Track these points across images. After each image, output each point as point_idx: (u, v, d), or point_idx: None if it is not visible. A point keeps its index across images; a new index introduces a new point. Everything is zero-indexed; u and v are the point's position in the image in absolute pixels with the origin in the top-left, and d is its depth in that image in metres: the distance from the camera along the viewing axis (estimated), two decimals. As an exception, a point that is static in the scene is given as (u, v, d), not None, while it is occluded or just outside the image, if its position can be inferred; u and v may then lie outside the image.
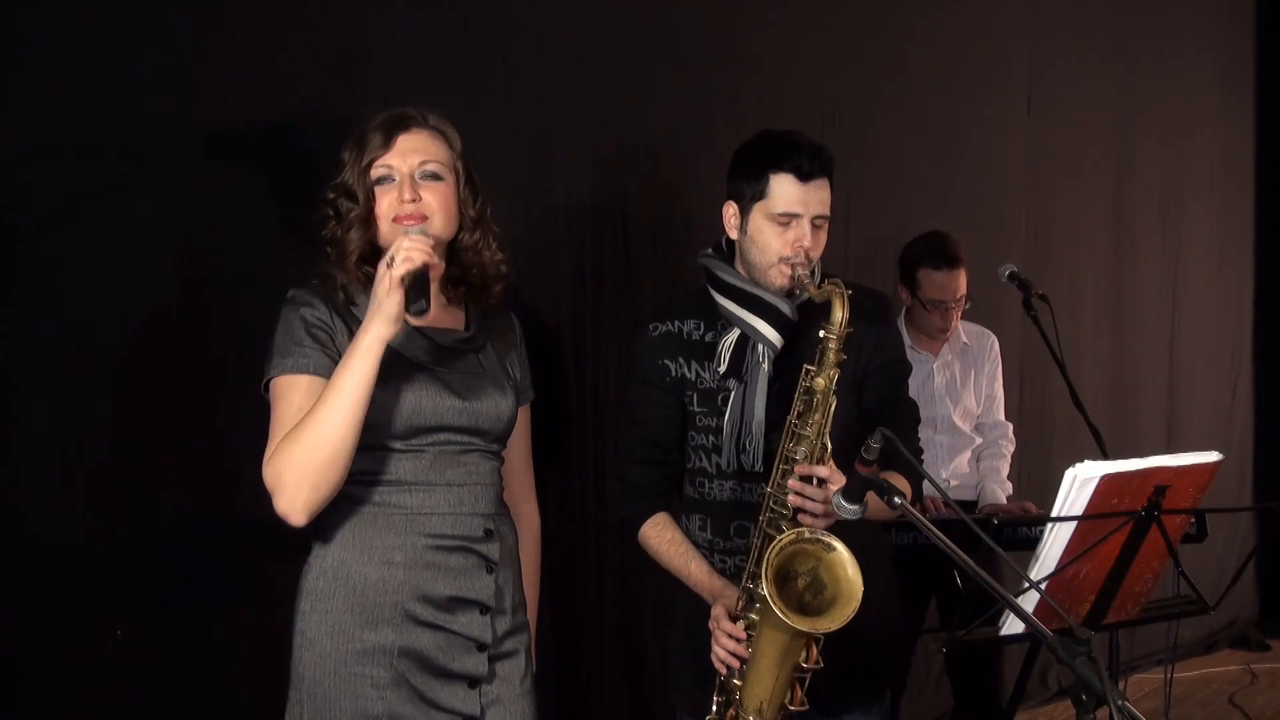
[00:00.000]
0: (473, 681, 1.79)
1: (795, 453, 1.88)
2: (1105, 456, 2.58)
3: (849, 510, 1.74)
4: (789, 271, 1.95)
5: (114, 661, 2.05)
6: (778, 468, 1.90)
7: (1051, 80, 4.13)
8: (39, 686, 1.99)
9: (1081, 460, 1.82)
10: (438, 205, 1.77)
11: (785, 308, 1.98)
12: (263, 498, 2.19)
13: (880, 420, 2.00)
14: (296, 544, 2.24)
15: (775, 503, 1.89)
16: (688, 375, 2.05)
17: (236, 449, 2.18)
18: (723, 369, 2.00)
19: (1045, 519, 1.87)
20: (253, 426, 2.16)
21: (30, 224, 1.97)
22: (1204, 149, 4.84)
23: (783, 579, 1.80)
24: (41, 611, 1.99)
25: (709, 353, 2.03)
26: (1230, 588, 2.23)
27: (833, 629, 1.74)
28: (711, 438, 2.03)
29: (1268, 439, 5.16)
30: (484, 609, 1.80)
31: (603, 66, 2.77)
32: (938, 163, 3.70)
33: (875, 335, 2.05)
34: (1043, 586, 1.83)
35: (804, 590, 1.84)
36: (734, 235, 2.05)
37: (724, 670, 1.91)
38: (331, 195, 1.80)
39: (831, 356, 1.87)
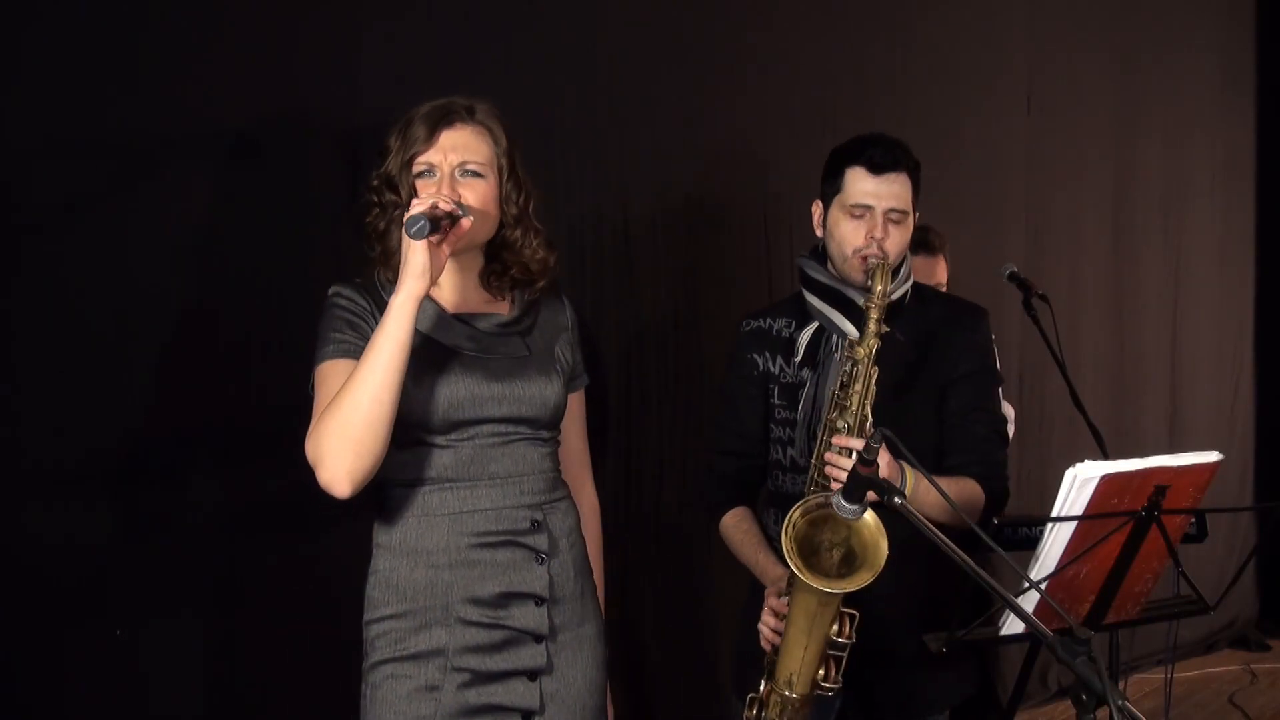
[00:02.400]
0: (532, 675, 1.77)
1: (837, 423, 1.90)
2: (1105, 456, 2.57)
3: (849, 510, 1.73)
4: (862, 264, 1.97)
5: (114, 661, 2.05)
6: (821, 438, 1.93)
7: (1051, 80, 4.13)
8: (39, 686, 1.99)
9: (1081, 460, 1.82)
10: (476, 204, 1.74)
11: (864, 302, 1.99)
12: (263, 497, 2.20)
13: (959, 428, 2.04)
14: (297, 544, 2.25)
15: (819, 473, 1.91)
16: (771, 369, 2.10)
17: (236, 448, 2.18)
18: (799, 358, 2.05)
19: (1045, 519, 1.86)
20: (253, 426, 2.17)
21: (31, 224, 1.97)
22: (1205, 148, 4.84)
23: (814, 549, 1.80)
24: (41, 611, 1.99)
25: (794, 349, 2.08)
26: (1230, 588, 2.22)
27: (848, 590, 1.73)
28: (788, 430, 2.07)
29: (1269, 439, 5.16)
30: (539, 600, 1.78)
31: (603, 66, 2.77)
32: (937, 163, 3.68)
33: (963, 343, 2.07)
34: (1043, 586, 1.83)
35: (839, 562, 1.82)
36: (819, 233, 2.10)
37: (768, 646, 1.92)
38: (375, 183, 1.78)
39: (872, 326, 1.89)
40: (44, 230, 1.98)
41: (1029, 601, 1.83)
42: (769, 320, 2.15)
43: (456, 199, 1.69)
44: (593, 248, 2.78)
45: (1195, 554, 2.44)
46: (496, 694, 1.74)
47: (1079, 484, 1.81)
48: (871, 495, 1.70)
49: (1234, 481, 4.93)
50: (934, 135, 3.66)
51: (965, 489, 1.98)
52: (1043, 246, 4.13)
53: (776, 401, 2.09)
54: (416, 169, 1.75)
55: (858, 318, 1.99)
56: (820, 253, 2.12)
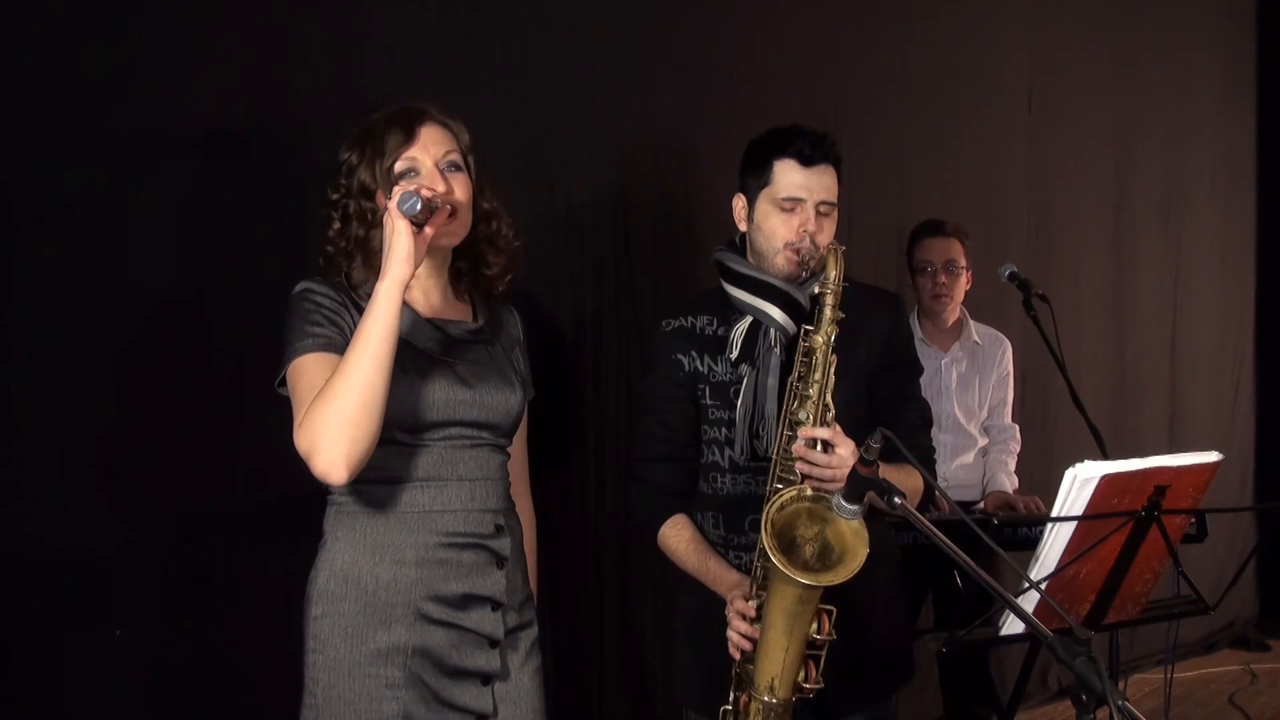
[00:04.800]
0: (485, 678, 1.78)
1: (798, 415, 1.87)
2: (1105, 456, 2.58)
3: (849, 511, 1.73)
4: (795, 257, 1.96)
5: (114, 661, 2.05)
6: (782, 432, 1.89)
7: (1052, 79, 4.13)
8: (39, 686, 1.99)
9: (1081, 460, 1.82)
10: (463, 196, 1.75)
11: (796, 293, 1.98)
12: (263, 496, 2.20)
13: (890, 415, 2.01)
14: (297, 544, 2.24)
15: (782, 469, 1.88)
16: (700, 368, 2.05)
17: (236, 448, 2.18)
18: (735, 355, 2.00)
19: (1045, 519, 1.87)
20: (253, 425, 2.17)
21: (30, 223, 1.97)
22: (1205, 148, 4.84)
23: (789, 545, 1.77)
24: (41, 611, 1.99)
25: (721, 346, 2.03)
26: (1230, 588, 2.23)
27: (836, 583, 1.70)
28: (724, 430, 2.02)
29: (1269, 439, 5.16)
30: (495, 605, 1.79)
31: (603, 66, 2.77)
32: (938, 162, 3.70)
33: (887, 332, 2.05)
34: (1043, 586, 1.83)
35: (811, 557, 1.79)
36: (742, 227, 2.06)
37: (737, 654, 1.87)
38: (336, 197, 1.76)
39: (828, 313, 1.87)
40: (43, 230, 1.98)
41: (1029, 601, 1.83)
42: (690, 319, 2.08)
43: (443, 192, 1.71)
44: (593, 248, 2.77)
45: (1195, 554, 2.44)
46: (454, 694, 1.75)
47: (1079, 484, 1.81)
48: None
49: (1234, 481, 4.93)
50: (935, 134, 3.67)
51: (912, 476, 1.95)
52: (1043, 246, 4.13)
53: (708, 401, 2.04)
54: (401, 167, 1.74)
55: (793, 310, 1.97)
56: (737, 246, 2.09)
